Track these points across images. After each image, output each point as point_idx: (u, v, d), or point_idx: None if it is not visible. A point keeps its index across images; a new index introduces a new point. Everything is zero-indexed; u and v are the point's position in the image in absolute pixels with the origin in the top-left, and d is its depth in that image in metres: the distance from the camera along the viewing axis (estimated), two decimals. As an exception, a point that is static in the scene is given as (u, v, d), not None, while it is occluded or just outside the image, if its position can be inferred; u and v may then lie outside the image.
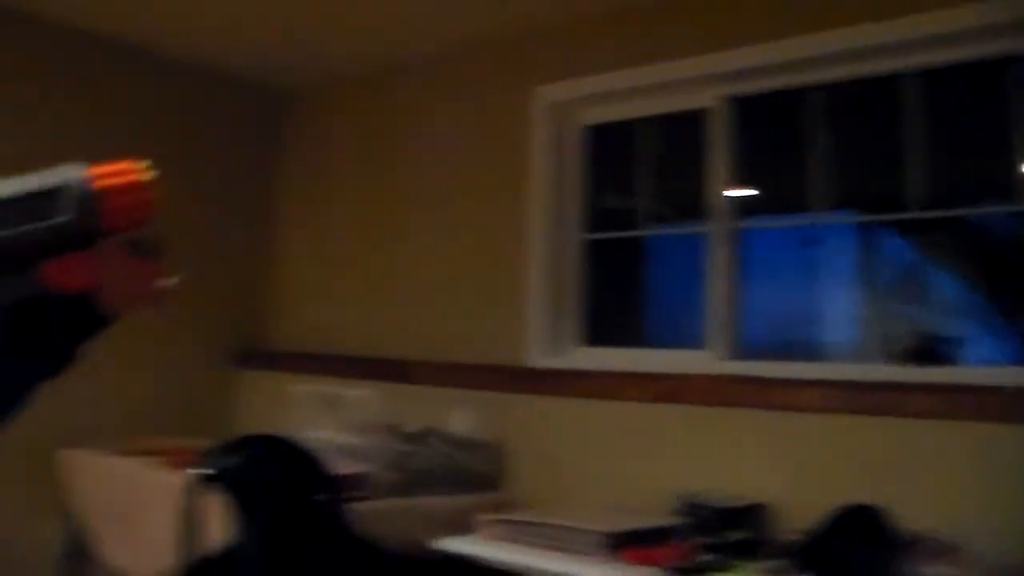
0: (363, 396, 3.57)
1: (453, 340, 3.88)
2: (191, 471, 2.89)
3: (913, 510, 2.45)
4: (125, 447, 3.69)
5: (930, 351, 2.92)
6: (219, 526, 2.83)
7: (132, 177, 1.11)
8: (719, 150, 3.39)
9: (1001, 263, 3.31)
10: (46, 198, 1.06)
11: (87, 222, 1.08)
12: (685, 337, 3.44)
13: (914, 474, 2.68)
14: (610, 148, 3.78)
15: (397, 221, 4.25)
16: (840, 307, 3.49)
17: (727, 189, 3.37)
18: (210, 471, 2.85)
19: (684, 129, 3.54)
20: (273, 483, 2.93)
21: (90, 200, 1.07)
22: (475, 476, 3.46)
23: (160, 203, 1.13)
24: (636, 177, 3.67)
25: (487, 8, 3.71)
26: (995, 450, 2.57)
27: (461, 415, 3.61)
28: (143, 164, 1.13)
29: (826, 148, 3.20)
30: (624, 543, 2.52)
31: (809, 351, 3.38)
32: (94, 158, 1.10)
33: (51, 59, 4.05)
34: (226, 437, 3.40)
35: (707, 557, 2.48)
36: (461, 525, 2.95)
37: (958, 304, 3.41)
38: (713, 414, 3.12)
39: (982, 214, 3.18)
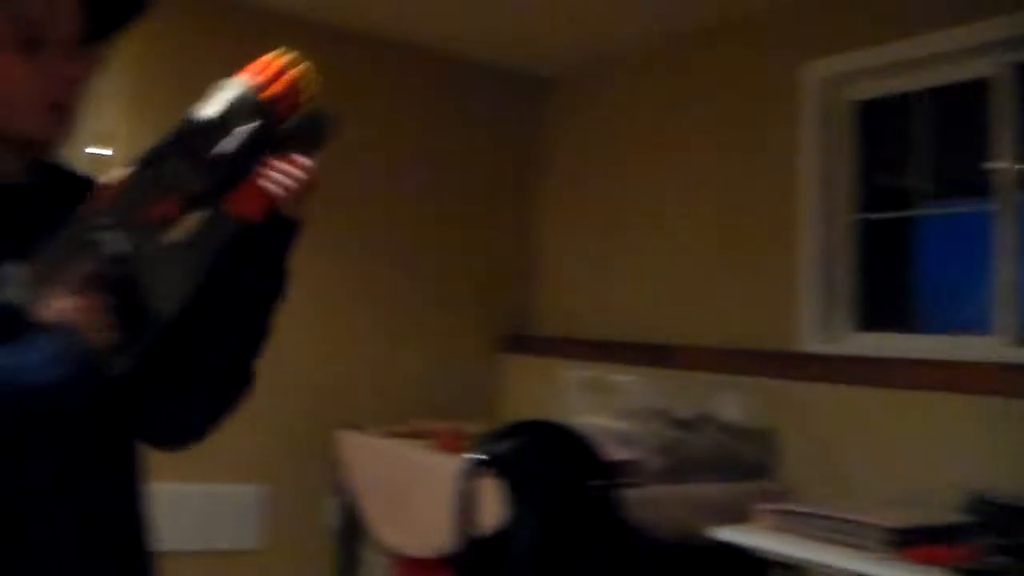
0: (632, 381, 3.58)
1: (721, 324, 3.83)
2: (466, 455, 2.99)
3: None
4: (397, 428, 3.88)
5: None
6: (492, 510, 2.93)
7: (280, 67, 1.18)
8: (1003, 121, 3.17)
9: None
10: (231, 116, 1.13)
11: (269, 122, 1.16)
12: (965, 322, 3.27)
13: None
14: (882, 124, 3.61)
15: (662, 204, 4.23)
16: None
17: (1013, 163, 3.15)
18: (485, 456, 2.94)
19: (961, 101, 3.34)
20: (546, 469, 2.99)
21: (265, 102, 1.15)
22: (746, 464, 3.42)
23: (312, 83, 1.21)
24: (910, 153, 3.50)
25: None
26: None
27: (731, 401, 3.57)
28: (281, 51, 1.20)
29: None
30: (910, 540, 2.42)
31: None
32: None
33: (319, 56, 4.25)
34: (497, 422, 3.51)
35: (999, 559, 2.35)
36: (732, 514, 2.92)
37: None
38: (999, 404, 2.94)
39: None
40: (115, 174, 1.13)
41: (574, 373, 3.83)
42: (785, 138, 3.70)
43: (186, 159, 1.12)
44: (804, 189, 3.63)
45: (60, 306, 1.07)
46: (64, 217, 1.12)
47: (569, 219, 4.75)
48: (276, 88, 1.17)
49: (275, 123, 1.17)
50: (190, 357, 1.27)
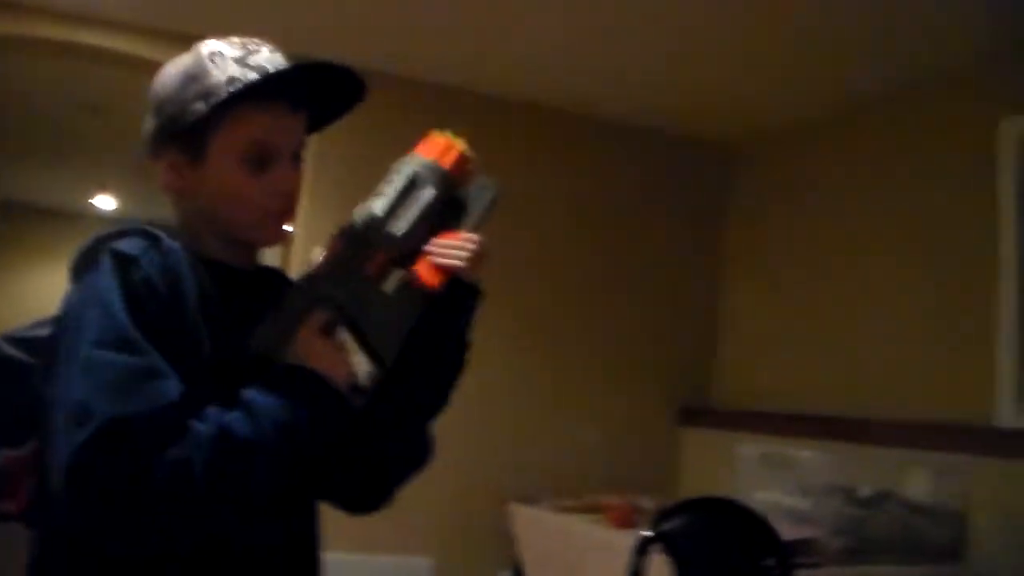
0: (812, 457, 3.45)
1: (911, 397, 3.65)
2: (639, 532, 2.93)
3: None
4: (570, 503, 3.85)
5: None
6: (663, 588, 2.85)
7: (456, 146, 1.35)
8: None
9: None
10: (414, 186, 1.29)
11: (447, 193, 1.31)
12: None
13: None
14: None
15: (851, 272, 4.10)
16: None
17: None
18: (654, 533, 2.88)
19: None
20: (718, 547, 2.90)
21: (445, 175, 1.31)
22: (932, 546, 3.22)
23: (476, 161, 1.37)
24: None
25: (939, 41, 3.51)
26: None
27: (919, 478, 3.38)
28: (450, 133, 1.36)
29: None
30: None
31: None
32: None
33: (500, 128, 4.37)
34: (672, 497, 3.43)
35: None
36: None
37: None
38: None
39: None
40: (318, 249, 1.28)
41: (753, 448, 3.71)
42: (985, 197, 3.53)
43: (383, 224, 1.26)
44: (1006, 248, 3.45)
45: (307, 350, 1.22)
46: (273, 297, 1.28)
47: (757, 288, 4.65)
48: (448, 160, 1.32)
49: (450, 192, 1.32)
50: (384, 422, 1.38)
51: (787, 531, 2.96)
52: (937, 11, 3.26)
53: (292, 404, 1.16)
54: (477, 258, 1.33)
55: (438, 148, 1.33)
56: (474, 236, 1.33)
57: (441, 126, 1.39)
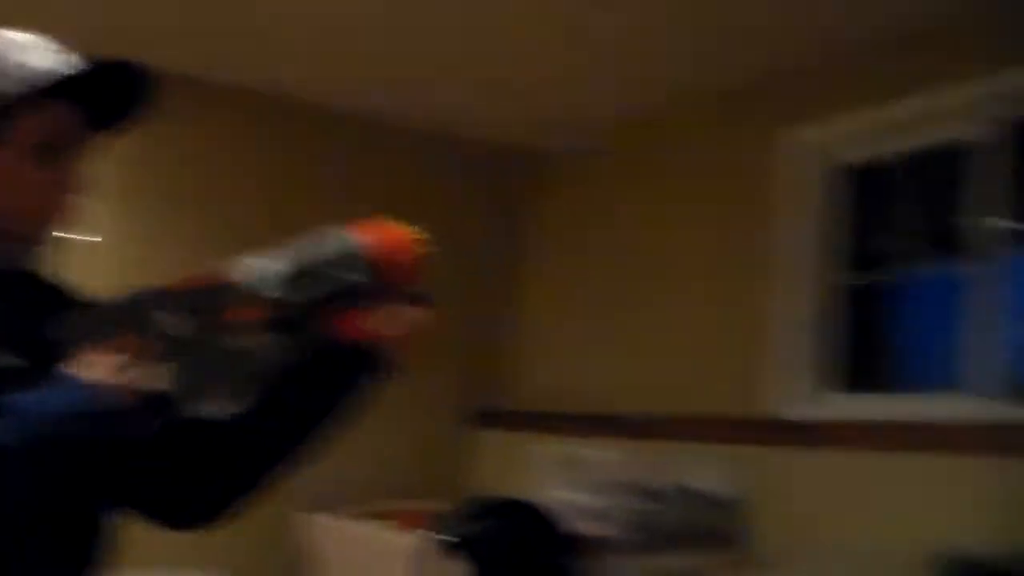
0: (606, 455, 3.52)
1: (697, 393, 3.76)
2: (428, 535, 2.92)
3: None
4: (362, 510, 3.82)
5: None
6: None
7: (402, 239, 1.24)
8: (987, 182, 3.14)
9: None
10: (334, 265, 1.19)
11: (372, 283, 1.20)
12: (950, 382, 3.20)
13: None
14: (866, 187, 3.60)
15: (640, 278, 4.18)
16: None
17: (998, 223, 3.11)
18: (451, 538, 2.87)
19: (944, 162, 3.31)
20: (514, 547, 2.92)
21: (373, 263, 1.20)
22: (721, 535, 3.34)
23: (427, 261, 1.26)
24: (890, 216, 3.49)
25: (728, 55, 3.64)
26: None
27: (706, 471, 3.50)
28: (410, 227, 1.26)
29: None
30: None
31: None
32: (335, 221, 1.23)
33: (308, 137, 4.33)
34: (464, 499, 3.43)
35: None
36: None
37: None
38: (984, 465, 2.87)
39: None
40: (225, 266, 1.20)
41: (547, 448, 3.77)
42: (766, 205, 3.69)
43: (286, 283, 1.18)
44: (783, 254, 3.61)
45: (91, 360, 1.14)
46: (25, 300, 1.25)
47: (549, 294, 4.71)
48: (385, 252, 1.21)
49: (377, 283, 1.21)
50: (236, 452, 1.36)
51: (582, 529, 3.01)
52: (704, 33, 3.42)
53: (55, 411, 1.10)
54: (398, 336, 1.28)
55: (383, 237, 1.23)
56: (407, 314, 1.28)
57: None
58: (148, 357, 1.16)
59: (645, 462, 3.57)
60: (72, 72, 1.26)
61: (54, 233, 1.33)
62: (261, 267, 1.18)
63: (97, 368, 1.14)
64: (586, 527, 3.07)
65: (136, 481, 1.32)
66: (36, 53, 1.28)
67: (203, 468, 1.36)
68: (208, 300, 1.18)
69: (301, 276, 1.18)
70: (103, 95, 1.32)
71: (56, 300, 1.34)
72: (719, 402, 3.66)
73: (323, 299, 1.18)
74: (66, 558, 1.29)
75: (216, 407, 1.20)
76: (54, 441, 1.09)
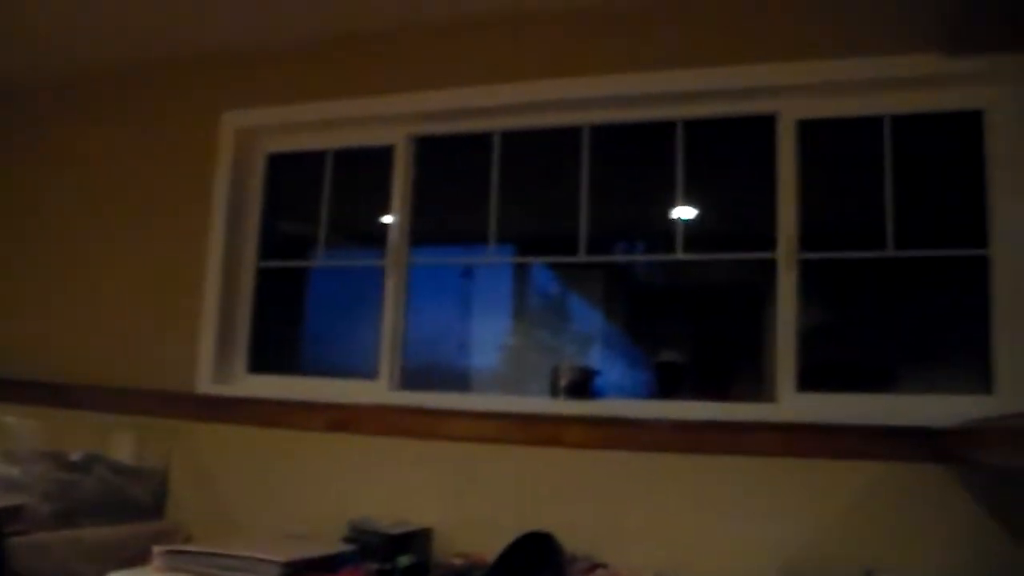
0: (19, 423, 3.41)
1: (124, 366, 3.79)
2: None
3: (577, 532, 2.75)
4: None
5: (579, 384, 3.23)
6: None
7: None
8: (399, 185, 3.57)
9: (640, 303, 3.70)
10: None
11: None
12: (358, 365, 3.57)
13: (575, 499, 2.97)
14: (295, 176, 3.85)
15: (74, 241, 4.07)
16: (495, 337, 3.75)
17: (402, 222, 3.55)
18: None
19: (368, 162, 3.69)
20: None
21: None
22: (138, 505, 3.41)
23: None
24: (317, 206, 3.78)
25: (179, 29, 3.68)
26: (646, 476, 2.92)
27: (125, 441, 3.55)
28: None
29: (499, 189, 3.47)
30: (299, 571, 2.59)
31: (464, 378, 3.63)
32: None
33: None
34: None
35: (378, 582, 2.62)
36: (127, 557, 2.91)
37: (601, 338, 3.77)
38: (382, 443, 3.28)
39: (626, 260, 3.55)
40: None
41: (-46, 414, 3.55)
42: (201, 184, 3.79)
43: None
44: (213, 235, 3.74)
45: None
46: None
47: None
48: None
49: None
50: None
51: (-3, 499, 2.92)
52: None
53: None
54: None
55: None
56: None
57: None
58: None
59: (65, 432, 3.53)
60: None
61: None
62: None
63: None
64: (1, 497, 2.97)
65: None
66: None
67: None
68: None
69: None
70: None
71: None
72: (145, 375, 3.73)
73: None
74: None
75: None
76: None
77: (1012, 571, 2.49)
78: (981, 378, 2.81)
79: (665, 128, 3.28)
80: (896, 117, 3.03)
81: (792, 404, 2.94)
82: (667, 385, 3.36)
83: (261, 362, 3.74)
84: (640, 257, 3.53)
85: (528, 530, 1.91)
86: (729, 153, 3.31)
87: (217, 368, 3.66)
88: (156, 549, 2.74)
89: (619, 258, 3.51)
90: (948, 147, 3.02)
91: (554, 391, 3.22)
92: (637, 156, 3.43)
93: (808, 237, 3.04)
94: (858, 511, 2.70)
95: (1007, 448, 1.52)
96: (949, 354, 2.97)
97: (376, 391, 3.43)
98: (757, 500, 2.80)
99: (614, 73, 3.22)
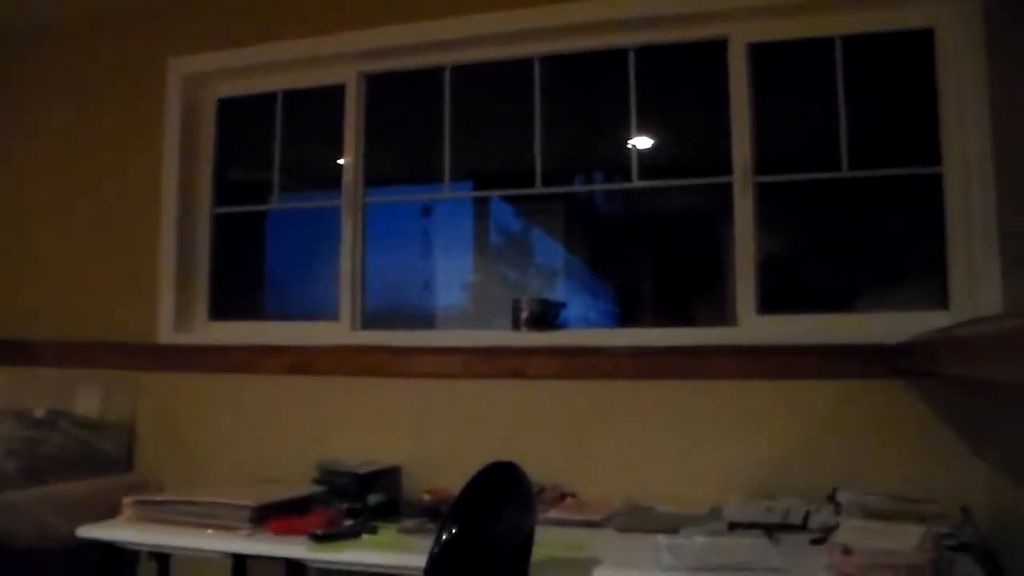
0: (-19, 382, 3.40)
1: (84, 319, 3.75)
2: None
3: (545, 463, 2.77)
4: None
5: (543, 316, 3.24)
6: None
7: None
8: (352, 125, 3.54)
9: (600, 234, 3.71)
10: None
11: None
12: (318, 308, 3.57)
13: (541, 430, 3.00)
14: (246, 120, 3.81)
15: (22, 195, 4.01)
16: (458, 276, 3.76)
17: (356, 163, 3.52)
18: None
19: (320, 103, 3.65)
20: None
21: None
22: (106, 458, 3.41)
23: None
24: (270, 150, 3.74)
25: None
26: (611, 404, 2.95)
27: (89, 395, 3.53)
28: None
29: (453, 125, 3.45)
30: (270, 515, 2.60)
31: (429, 318, 3.64)
32: None
33: None
34: None
35: (350, 522, 2.63)
36: (97, 510, 2.90)
37: (562, 270, 3.79)
38: (346, 383, 3.29)
39: (584, 191, 3.55)
40: None
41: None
42: (151, 132, 3.74)
43: None
44: (166, 183, 3.69)
45: None
46: None
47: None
48: None
49: None
50: None
51: (-38, 458, 2.90)
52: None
53: None
54: None
55: None
56: None
57: None
58: None
59: (27, 388, 3.51)
60: None
61: None
62: None
63: None
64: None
65: None
66: None
67: None
68: None
69: None
70: None
71: None
72: (106, 328, 3.70)
73: None
74: None
75: None
76: None
77: (972, 479, 2.54)
78: (938, 294, 2.85)
79: (617, 56, 3.26)
80: (847, 38, 3.02)
81: (753, 327, 2.97)
82: (628, 308, 3.39)
83: (222, 309, 3.72)
84: (597, 187, 3.53)
85: (495, 461, 1.92)
86: (682, 80, 3.30)
87: (178, 317, 3.64)
88: (126, 500, 2.75)
89: (576, 188, 3.51)
90: (899, 67, 3.03)
91: (516, 324, 3.24)
92: (590, 86, 3.42)
93: (763, 161, 3.05)
94: (821, 430, 2.74)
95: (962, 357, 1.54)
96: (906, 272, 3.01)
97: (338, 332, 3.43)
98: (721, 423, 2.84)
99: (564, 2, 3.19)
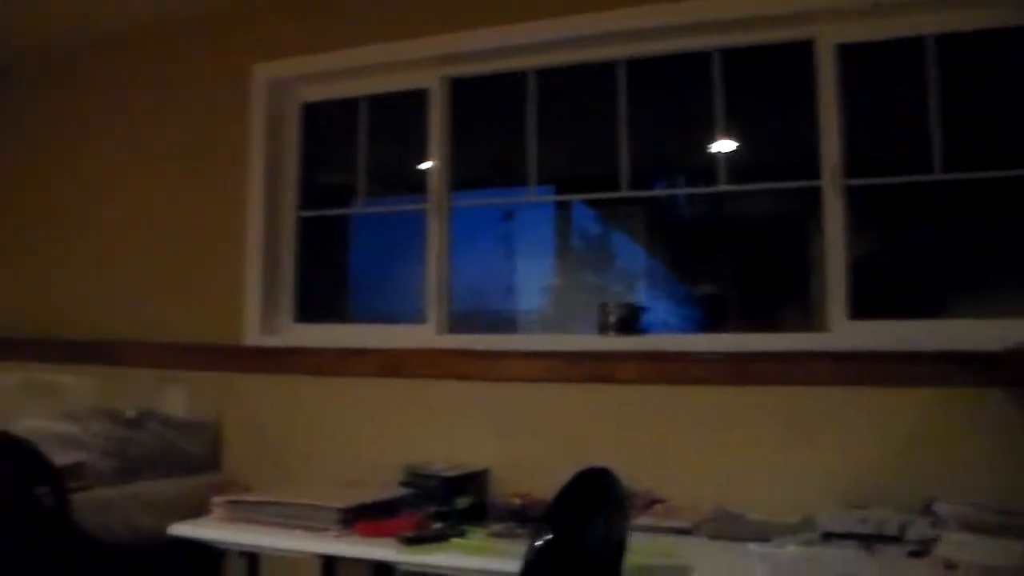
0: (76, 381, 3.46)
1: (171, 321, 3.82)
2: None
3: (633, 468, 2.74)
4: None
5: (628, 321, 3.22)
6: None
7: None
8: (436, 128, 3.55)
9: (683, 238, 3.68)
10: None
11: None
12: (404, 311, 3.58)
13: (629, 435, 2.98)
14: (331, 124, 3.84)
15: (110, 202, 4.09)
16: (539, 279, 3.76)
17: (441, 166, 3.52)
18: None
19: (404, 107, 3.67)
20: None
21: None
22: (193, 458, 3.46)
23: None
24: (354, 154, 3.76)
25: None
26: (700, 410, 2.92)
27: (176, 396, 3.59)
28: None
29: (537, 128, 3.44)
30: (358, 517, 2.62)
31: (511, 322, 3.63)
32: None
33: None
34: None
35: (438, 525, 2.64)
36: (185, 509, 2.94)
37: (646, 275, 3.77)
38: (433, 386, 3.30)
39: (668, 194, 3.52)
40: None
41: (11, 375, 3.60)
42: (237, 138, 3.79)
43: None
44: (251, 187, 3.74)
45: None
46: None
47: (12, 217, 4.41)
48: None
49: None
50: None
51: (58, 457, 2.96)
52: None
53: None
54: None
55: None
56: None
57: None
58: None
59: (117, 389, 3.58)
60: None
61: None
62: None
63: None
64: (60, 455, 3.01)
65: None
66: None
67: None
68: None
69: None
70: None
71: None
72: (191, 330, 3.76)
73: None
74: None
75: None
76: None
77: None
78: (1035, 301, 2.77)
79: (702, 59, 3.23)
80: (939, 37, 2.96)
81: (844, 332, 2.91)
82: (712, 317, 3.36)
83: (308, 312, 3.75)
84: (682, 191, 3.50)
85: (585, 466, 1.91)
86: (768, 82, 3.26)
87: (264, 319, 3.68)
88: (216, 500, 2.78)
89: (660, 192, 3.48)
90: (993, 65, 2.96)
91: (603, 328, 3.22)
92: (675, 89, 3.39)
93: (853, 164, 3.00)
94: (915, 438, 2.68)
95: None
96: (1001, 277, 2.94)
97: (424, 335, 3.44)
98: (812, 430, 2.79)
99: (648, 4, 3.16)
